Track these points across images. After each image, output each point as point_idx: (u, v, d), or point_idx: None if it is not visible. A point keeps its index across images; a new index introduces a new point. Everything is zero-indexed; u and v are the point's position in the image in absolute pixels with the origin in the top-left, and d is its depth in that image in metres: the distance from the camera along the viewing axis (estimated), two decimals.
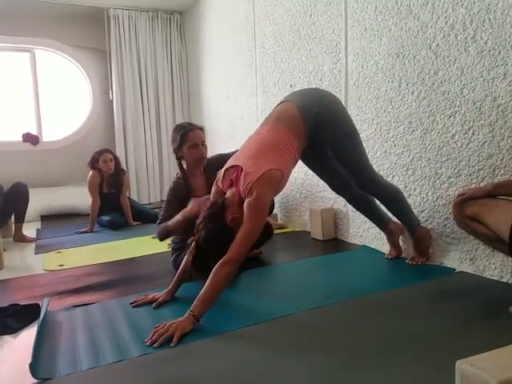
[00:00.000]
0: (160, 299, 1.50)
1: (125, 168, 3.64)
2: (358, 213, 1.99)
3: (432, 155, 1.78)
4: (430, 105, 1.76)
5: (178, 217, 1.77)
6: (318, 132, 1.57)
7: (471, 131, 1.61)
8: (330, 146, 1.65)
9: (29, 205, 2.88)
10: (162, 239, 1.87)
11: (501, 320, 1.22)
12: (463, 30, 1.59)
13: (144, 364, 1.10)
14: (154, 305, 1.48)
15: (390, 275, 1.76)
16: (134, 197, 4.01)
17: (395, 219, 1.85)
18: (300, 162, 1.77)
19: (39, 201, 3.58)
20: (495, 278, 1.56)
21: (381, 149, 2.05)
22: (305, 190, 2.62)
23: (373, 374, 0.99)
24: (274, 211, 2.88)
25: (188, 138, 1.88)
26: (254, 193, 1.33)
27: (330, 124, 1.57)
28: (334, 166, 1.76)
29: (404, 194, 1.87)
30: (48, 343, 1.24)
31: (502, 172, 1.51)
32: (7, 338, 1.32)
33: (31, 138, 4.14)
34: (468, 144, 1.62)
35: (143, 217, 3.22)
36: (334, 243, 2.30)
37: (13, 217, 2.84)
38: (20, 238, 2.81)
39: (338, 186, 1.86)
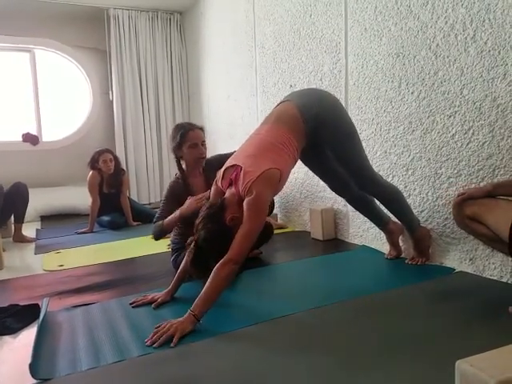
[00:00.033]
0: (160, 299, 1.50)
1: (125, 168, 3.64)
2: (358, 213, 1.99)
3: (432, 155, 1.78)
4: (429, 105, 1.76)
5: (176, 213, 1.77)
6: (318, 132, 1.57)
7: (471, 131, 1.61)
8: (330, 146, 1.65)
9: (28, 205, 2.88)
10: (157, 238, 1.86)
11: (500, 320, 1.22)
12: (463, 30, 1.59)
13: (144, 364, 1.10)
14: (153, 305, 1.48)
15: (390, 275, 1.76)
16: (134, 197, 4.01)
17: (395, 219, 1.85)
18: (300, 162, 1.77)
19: (39, 201, 3.58)
20: (495, 278, 1.56)
21: (381, 149, 2.05)
22: (305, 189, 2.62)
23: (373, 374, 0.99)
24: (274, 211, 2.88)
25: (188, 137, 1.88)
26: (254, 192, 1.33)
27: (330, 124, 1.57)
28: (333, 166, 1.76)
29: (404, 193, 1.87)
30: (48, 343, 1.24)
31: (501, 172, 1.51)
32: (7, 338, 1.32)
33: (31, 138, 4.14)
34: (468, 144, 1.62)
35: (143, 217, 3.22)
36: (334, 243, 2.30)
37: (12, 217, 2.84)
38: (20, 239, 2.81)
39: (337, 186, 1.86)
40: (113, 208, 3.15)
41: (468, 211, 1.34)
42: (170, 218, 1.80)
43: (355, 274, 1.78)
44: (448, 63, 1.67)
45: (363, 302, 1.44)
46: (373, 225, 1.98)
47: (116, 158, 3.23)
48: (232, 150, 1.84)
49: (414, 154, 1.86)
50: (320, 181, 1.93)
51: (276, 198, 2.84)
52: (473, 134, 1.60)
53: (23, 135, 4.13)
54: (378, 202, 1.85)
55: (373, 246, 2.12)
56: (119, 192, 3.18)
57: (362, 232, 2.21)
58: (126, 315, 1.43)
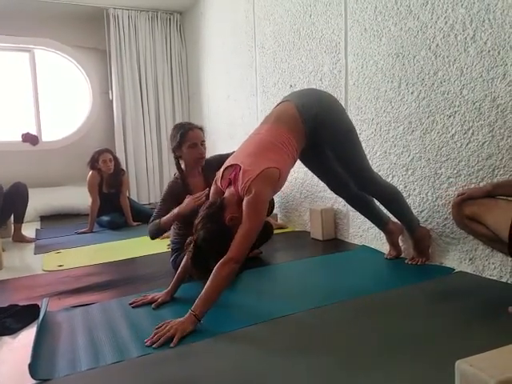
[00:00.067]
0: (159, 300, 1.50)
1: (124, 168, 3.63)
2: (358, 213, 1.99)
3: (432, 155, 1.78)
4: (429, 105, 1.76)
5: (174, 212, 1.77)
6: (317, 132, 1.57)
7: (471, 131, 1.61)
8: (329, 146, 1.65)
9: (28, 205, 2.88)
10: (153, 237, 1.85)
11: (500, 320, 1.22)
12: (463, 31, 1.59)
13: (144, 364, 1.10)
14: (153, 305, 1.48)
15: (390, 275, 1.76)
16: (134, 197, 4.01)
17: (394, 219, 1.85)
18: (299, 162, 1.77)
19: (39, 201, 3.57)
20: (494, 278, 1.56)
21: (380, 149, 2.05)
22: (305, 189, 2.62)
23: (373, 374, 0.99)
24: (274, 211, 2.88)
25: (188, 137, 1.88)
26: (253, 191, 1.33)
27: (329, 124, 1.57)
28: (332, 166, 1.76)
29: (404, 193, 1.87)
30: (47, 344, 1.24)
31: (501, 172, 1.51)
32: (6, 338, 1.32)
33: (31, 138, 4.14)
34: (467, 144, 1.62)
35: (143, 217, 3.22)
36: (334, 243, 2.30)
37: (12, 217, 2.84)
38: (19, 239, 2.81)
39: (336, 186, 1.86)
40: (112, 208, 3.15)
41: (467, 211, 1.34)
42: (167, 216, 1.80)
43: (355, 274, 1.78)
44: (448, 63, 1.67)
45: (363, 302, 1.44)
46: (373, 225, 1.98)
47: (116, 158, 3.22)
48: (232, 150, 1.84)
49: (414, 154, 1.86)
50: (320, 181, 1.93)
51: (276, 198, 2.84)
52: (472, 134, 1.60)
53: (23, 135, 4.13)
54: (377, 202, 1.85)
55: (373, 246, 2.12)
56: (119, 192, 3.18)
57: (362, 232, 2.21)
58: (125, 315, 1.43)
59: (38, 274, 2.05)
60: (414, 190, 1.88)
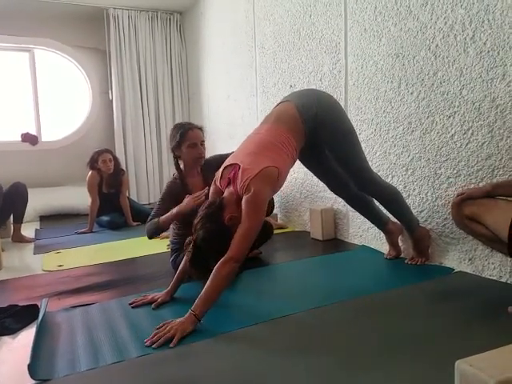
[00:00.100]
0: (159, 300, 1.49)
1: (124, 168, 3.63)
2: (358, 213, 1.99)
3: (431, 155, 1.78)
4: (429, 105, 1.76)
5: (173, 211, 1.77)
6: (317, 132, 1.57)
7: (470, 131, 1.61)
8: (329, 146, 1.65)
9: (28, 205, 2.88)
10: (150, 237, 1.84)
11: (500, 320, 1.22)
12: (462, 31, 1.60)
13: (143, 365, 1.10)
14: (153, 305, 1.47)
15: (390, 275, 1.76)
16: (134, 197, 4.01)
17: (394, 219, 1.85)
18: (299, 162, 1.77)
19: (38, 201, 3.57)
20: (494, 278, 1.56)
21: (380, 149, 2.05)
22: (305, 190, 2.62)
23: (373, 374, 0.99)
24: (274, 211, 2.88)
25: (187, 137, 1.88)
26: (252, 189, 1.33)
27: (328, 125, 1.57)
28: (332, 166, 1.76)
29: (403, 194, 1.87)
30: (47, 344, 1.24)
31: (500, 172, 1.51)
32: (6, 338, 1.32)
33: (30, 138, 4.13)
34: (467, 144, 1.63)
35: (142, 217, 3.20)
36: (334, 243, 2.30)
37: (11, 217, 2.84)
38: (19, 239, 2.81)
39: (336, 187, 1.86)
40: (112, 208, 3.15)
41: (467, 211, 1.34)
42: (166, 215, 1.79)
43: (355, 274, 1.78)
44: (447, 64, 1.67)
45: (363, 302, 1.44)
46: (372, 225, 1.98)
47: (115, 158, 3.22)
48: (232, 151, 1.84)
49: (414, 154, 1.86)
50: (320, 181, 1.93)
51: (276, 198, 2.84)
52: (472, 134, 1.60)
53: (22, 135, 4.12)
54: (377, 203, 1.85)
55: (372, 246, 2.12)
56: (119, 192, 3.18)
57: (362, 232, 2.21)
58: (125, 315, 1.43)
59: (38, 274, 2.05)
60: (414, 190, 1.88)
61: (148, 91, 4.17)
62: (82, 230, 3.01)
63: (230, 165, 1.45)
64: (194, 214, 1.44)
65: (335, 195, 1.95)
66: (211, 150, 3.47)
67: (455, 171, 1.68)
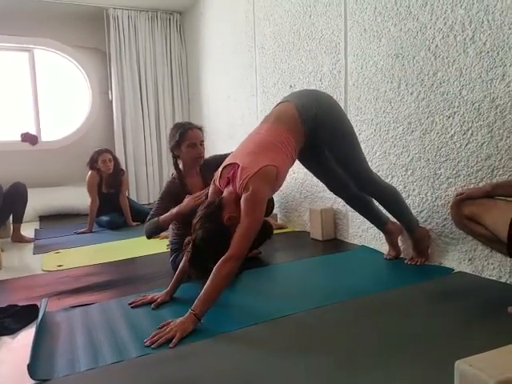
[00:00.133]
0: (159, 300, 1.49)
1: (124, 168, 3.63)
2: (357, 213, 2.00)
3: (431, 156, 1.78)
4: (429, 105, 1.77)
5: (173, 211, 1.77)
6: (316, 133, 1.57)
7: (470, 132, 1.61)
8: (328, 147, 1.65)
9: (27, 205, 2.88)
10: (149, 236, 1.84)
11: (500, 320, 1.22)
12: (462, 31, 1.60)
13: (143, 365, 1.10)
14: (152, 305, 1.47)
15: (390, 275, 1.76)
16: (133, 197, 4.01)
17: (394, 219, 1.85)
18: (299, 163, 1.77)
19: (38, 201, 3.57)
20: (494, 278, 1.56)
21: (380, 149, 2.05)
22: (304, 190, 2.62)
23: (373, 374, 0.99)
24: (274, 211, 2.88)
25: (187, 136, 1.88)
26: (250, 188, 1.33)
27: (328, 125, 1.58)
28: (331, 167, 1.77)
29: (403, 194, 1.87)
30: (46, 344, 1.23)
31: (500, 172, 1.51)
32: (6, 338, 1.32)
33: (30, 138, 4.13)
34: (467, 145, 1.63)
35: (142, 217, 3.18)
36: (334, 243, 2.30)
37: (11, 217, 2.84)
38: (18, 239, 2.80)
39: (335, 187, 1.86)
40: (112, 208, 3.15)
41: (466, 211, 1.34)
42: (166, 215, 1.79)
43: (355, 274, 1.78)
44: (447, 64, 1.67)
45: (363, 302, 1.44)
46: (372, 225, 1.98)
47: (115, 158, 3.22)
48: (231, 151, 1.84)
49: (413, 154, 1.87)
50: (320, 181, 1.93)
51: (276, 198, 2.84)
52: (472, 134, 1.60)
53: (22, 135, 4.12)
54: (376, 203, 1.85)
55: (372, 246, 2.12)
56: (118, 192, 3.18)
57: (362, 232, 2.21)
58: (125, 315, 1.42)
59: (38, 274, 2.05)
60: (414, 190, 1.88)
61: (148, 91, 4.17)
62: (82, 230, 3.01)
63: (229, 164, 1.46)
64: (193, 214, 1.44)
65: (335, 195, 1.95)
66: (211, 150, 3.47)
67: (455, 171, 1.68)
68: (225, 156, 1.63)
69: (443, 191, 1.74)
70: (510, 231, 1.19)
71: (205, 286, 1.27)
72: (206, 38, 3.83)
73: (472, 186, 1.60)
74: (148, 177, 4.23)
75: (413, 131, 1.86)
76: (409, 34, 1.82)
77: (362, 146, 1.74)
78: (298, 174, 2.62)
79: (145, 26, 4.14)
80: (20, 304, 1.54)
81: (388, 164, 2.01)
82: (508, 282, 1.51)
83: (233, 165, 1.43)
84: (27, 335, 1.32)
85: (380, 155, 2.05)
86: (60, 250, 2.50)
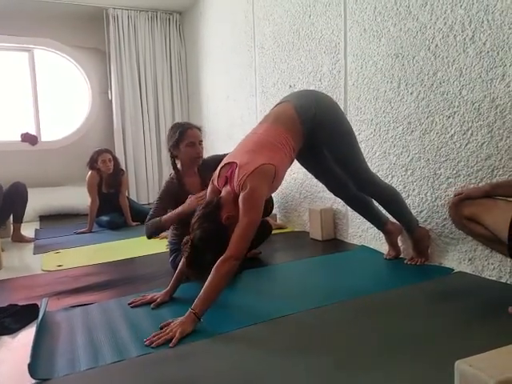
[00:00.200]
0: (158, 300, 1.49)
1: (124, 168, 3.63)
2: (357, 213, 2.00)
3: (431, 156, 1.78)
4: (428, 105, 1.77)
5: (176, 211, 1.77)
6: (315, 133, 1.57)
7: (470, 132, 1.61)
8: (327, 147, 1.65)
9: (27, 205, 2.88)
10: (150, 236, 1.84)
11: (500, 320, 1.22)
12: (462, 31, 1.60)
13: (143, 364, 1.10)
14: (152, 305, 1.47)
15: (390, 275, 1.76)
16: (133, 197, 4.01)
17: (394, 220, 1.85)
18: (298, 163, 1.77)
19: (38, 201, 3.57)
20: (494, 279, 1.56)
21: (380, 149, 2.05)
22: (304, 190, 2.63)
23: (373, 374, 0.99)
24: (274, 211, 2.88)
25: (186, 135, 1.88)
26: (248, 186, 1.33)
27: (327, 126, 1.58)
28: (330, 166, 1.77)
29: (403, 194, 1.87)
30: (46, 344, 1.23)
31: (500, 172, 1.51)
32: (6, 338, 1.32)
33: (30, 138, 4.13)
34: (467, 145, 1.63)
35: (142, 217, 3.18)
36: (333, 243, 2.30)
37: (11, 217, 2.84)
38: (18, 239, 2.81)
39: (335, 187, 1.86)
40: (112, 208, 3.15)
41: (466, 211, 1.34)
42: (168, 215, 1.80)
43: (354, 274, 1.78)
44: (447, 64, 1.67)
45: (363, 302, 1.44)
46: (372, 225, 1.98)
47: (115, 158, 3.22)
48: (230, 151, 1.84)
49: (413, 154, 1.87)
50: (319, 181, 1.93)
51: (275, 198, 2.84)
52: (472, 134, 1.60)
53: (22, 135, 4.12)
54: (376, 203, 1.85)
55: (372, 246, 2.12)
56: (118, 192, 3.18)
57: (361, 232, 2.21)
58: (125, 315, 1.43)
59: (38, 274, 2.05)
60: (414, 190, 1.88)
61: (147, 91, 4.17)
62: (82, 230, 3.01)
63: (228, 163, 1.46)
64: (192, 214, 1.44)
65: (334, 196, 1.95)
66: (210, 150, 3.47)
67: (455, 171, 1.68)
68: (223, 156, 1.63)
69: (443, 191, 1.74)
70: (511, 231, 1.19)
71: (204, 286, 1.27)
72: (206, 37, 3.83)
73: (472, 186, 1.60)
74: (148, 177, 4.23)
75: (413, 131, 1.86)
76: (409, 34, 1.82)
77: (362, 145, 1.74)
78: (297, 174, 2.62)
79: (144, 26, 4.14)
80: (20, 304, 1.54)
81: (388, 164, 2.01)
82: (508, 282, 1.51)
83: (231, 164, 1.43)
84: (27, 335, 1.32)
85: (380, 155, 2.05)
86: (60, 250, 2.50)
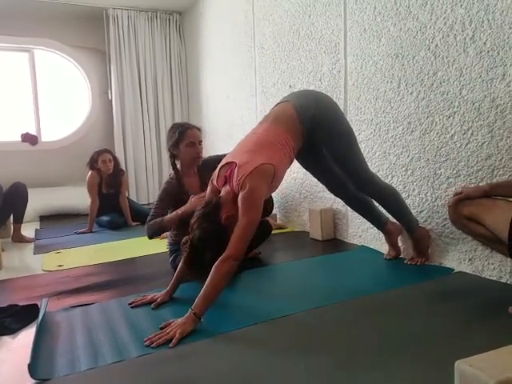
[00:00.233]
0: (159, 300, 1.49)
1: (124, 168, 3.63)
2: (357, 213, 2.00)
3: (431, 156, 1.78)
4: (428, 105, 1.77)
5: (179, 211, 1.77)
6: (315, 133, 1.57)
7: (470, 132, 1.61)
8: (327, 147, 1.66)
9: (28, 205, 2.88)
10: (151, 236, 1.85)
11: (500, 320, 1.22)
12: (462, 31, 1.60)
13: (143, 364, 1.10)
14: (152, 305, 1.47)
15: (390, 275, 1.76)
16: (133, 197, 4.01)
17: (393, 220, 1.85)
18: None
19: (38, 201, 3.57)
20: (494, 279, 1.56)
21: (380, 149, 2.05)
22: (304, 190, 2.62)
23: (373, 374, 0.99)
24: (274, 211, 2.88)
25: (186, 136, 1.89)
26: (247, 185, 1.33)
27: (326, 126, 1.58)
28: (330, 166, 1.77)
29: (403, 194, 1.87)
30: (47, 344, 1.24)
31: (500, 172, 1.51)
32: (6, 338, 1.32)
33: (30, 138, 4.13)
34: (467, 144, 1.63)
35: (142, 217, 3.19)
36: (333, 243, 2.30)
37: (11, 217, 2.84)
38: (19, 239, 2.81)
39: (334, 187, 1.86)
40: (112, 208, 3.15)
41: (466, 211, 1.34)
42: (170, 215, 1.80)
43: (354, 274, 1.78)
44: (447, 64, 1.67)
45: (363, 302, 1.44)
46: (372, 225, 1.98)
47: (115, 158, 3.22)
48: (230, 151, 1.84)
49: (413, 154, 1.87)
50: (319, 181, 1.93)
51: (275, 199, 2.84)
52: (472, 134, 1.60)
53: (22, 135, 4.12)
54: (376, 203, 1.85)
55: (372, 246, 2.12)
56: (118, 192, 3.18)
57: (361, 232, 2.21)
58: (125, 315, 1.43)
59: (38, 274, 2.05)
60: (414, 190, 1.88)
61: (147, 91, 4.17)
62: (82, 230, 3.01)
63: (227, 163, 1.46)
64: (192, 215, 1.44)
65: (334, 195, 1.95)
66: (210, 150, 3.47)
67: (455, 171, 1.68)
68: (223, 156, 1.64)
69: (443, 191, 1.74)
70: (511, 231, 1.19)
71: (204, 285, 1.27)
72: (206, 38, 3.83)
73: (472, 185, 1.60)
74: (148, 177, 4.23)
75: (413, 131, 1.86)
76: (408, 34, 1.82)
77: (362, 145, 1.74)
78: (297, 174, 2.62)
79: (144, 26, 4.14)
80: (20, 304, 1.54)
81: (388, 164, 2.01)
82: (508, 282, 1.51)
83: (230, 164, 1.43)
84: (27, 335, 1.32)
85: (380, 155, 2.05)
86: (60, 250, 2.50)
